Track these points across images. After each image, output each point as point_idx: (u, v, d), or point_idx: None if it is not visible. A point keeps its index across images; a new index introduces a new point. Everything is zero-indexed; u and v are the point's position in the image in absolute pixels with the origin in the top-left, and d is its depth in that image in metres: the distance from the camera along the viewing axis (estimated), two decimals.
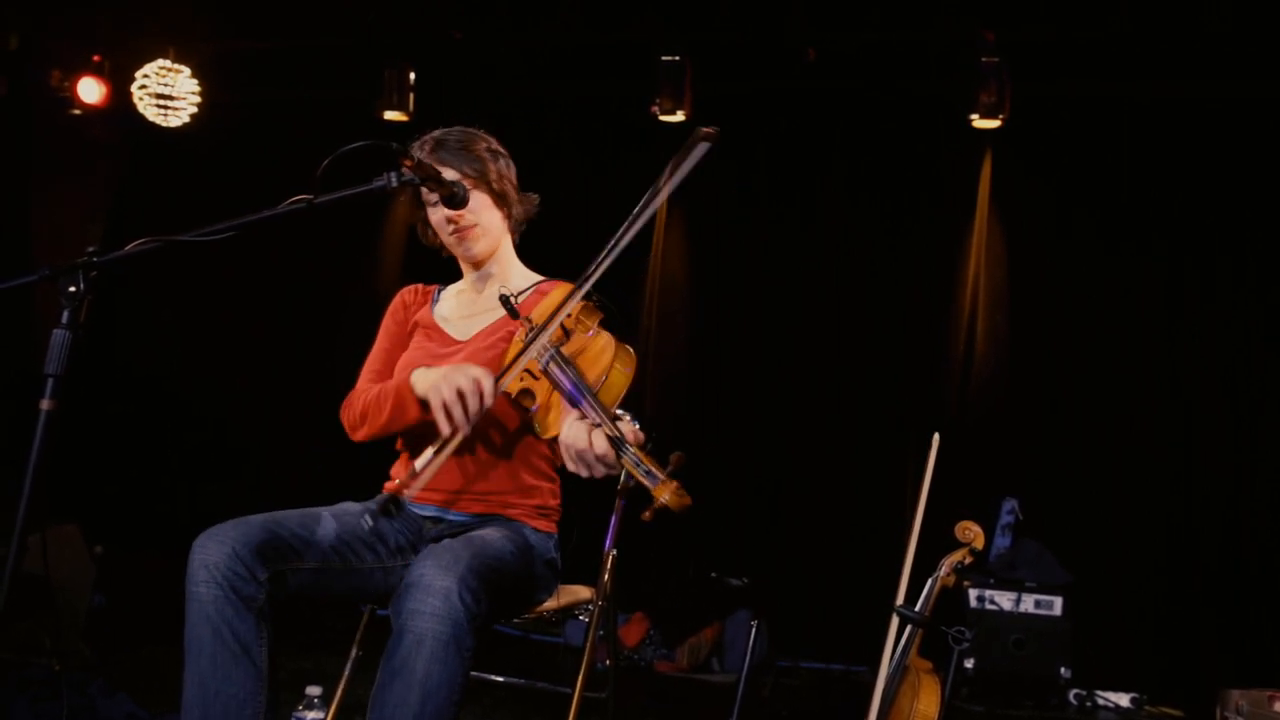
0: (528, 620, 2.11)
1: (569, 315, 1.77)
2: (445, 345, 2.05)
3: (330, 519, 1.89)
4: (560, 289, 1.97)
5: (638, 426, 1.61)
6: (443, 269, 2.23)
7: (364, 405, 1.98)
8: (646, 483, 1.52)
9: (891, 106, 4.55)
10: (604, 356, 1.69)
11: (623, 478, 1.59)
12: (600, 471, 1.59)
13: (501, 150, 2.08)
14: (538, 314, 1.89)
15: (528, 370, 1.77)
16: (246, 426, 5.06)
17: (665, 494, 1.50)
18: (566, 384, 1.67)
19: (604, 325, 1.83)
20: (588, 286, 1.74)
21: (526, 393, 1.79)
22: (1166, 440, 4.21)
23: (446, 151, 2.01)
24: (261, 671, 1.68)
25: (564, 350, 1.73)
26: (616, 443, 1.56)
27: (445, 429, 1.75)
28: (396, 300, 2.19)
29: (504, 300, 1.87)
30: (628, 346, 1.72)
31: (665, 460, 1.54)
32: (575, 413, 1.63)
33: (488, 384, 1.75)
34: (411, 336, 2.11)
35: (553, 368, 1.71)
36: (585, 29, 4.48)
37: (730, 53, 4.56)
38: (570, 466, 1.63)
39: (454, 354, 2.02)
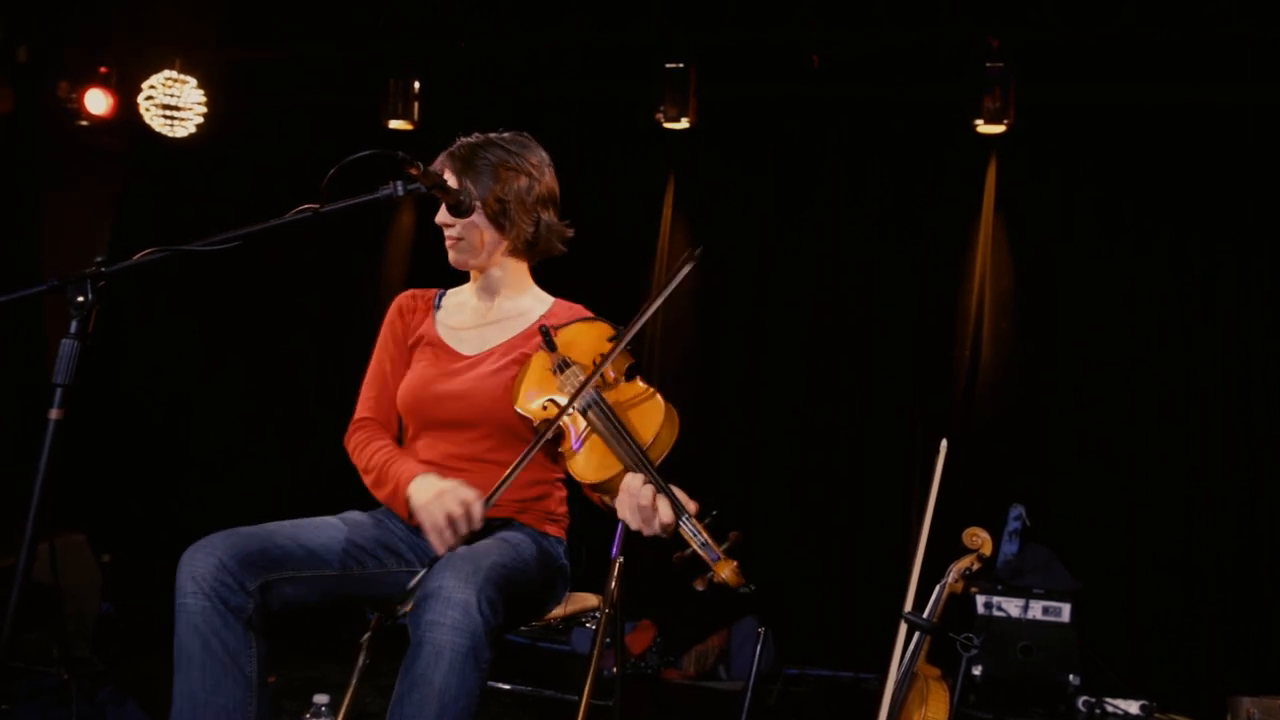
0: (535, 628, 2.12)
1: (602, 355, 1.81)
2: (454, 361, 2.04)
3: (330, 527, 1.90)
4: (590, 325, 1.96)
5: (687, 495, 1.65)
6: (449, 276, 2.22)
7: (366, 464, 2.00)
8: (705, 556, 1.59)
9: (896, 111, 4.55)
10: (654, 415, 1.72)
11: (676, 543, 1.62)
12: (655, 531, 1.62)
13: (531, 171, 2.03)
14: (563, 344, 1.90)
15: (560, 407, 1.79)
16: (254, 435, 5.07)
17: (725, 571, 1.57)
18: (613, 438, 1.69)
19: (633, 370, 1.87)
20: (629, 337, 1.78)
21: (557, 429, 1.80)
22: (1174, 445, 4.19)
23: (456, 161, 2.02)
24: (251, 681, 1.68)
25: (607, 397, 1.75)
26: (677, 511, 1.60)
27: (439, 548, 1.78)
28: (393, 310, 2.15)
29: (544, 333, 1.90)
30: (674, 409, 1.75)
31: (722, 534, 1.60)
32: (636, 476, 1.65)
33: (476, 509, 1.77)
34: (413, 351, 2.09)
35: (592, 415, 1.73)
36: (589, 34, 4.49)
37: (735, 57, 4.56)
38: (624, 515, 1.65)
39: (463, 370, 2.01)
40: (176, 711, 1.66)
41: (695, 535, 1.59)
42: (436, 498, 1.78)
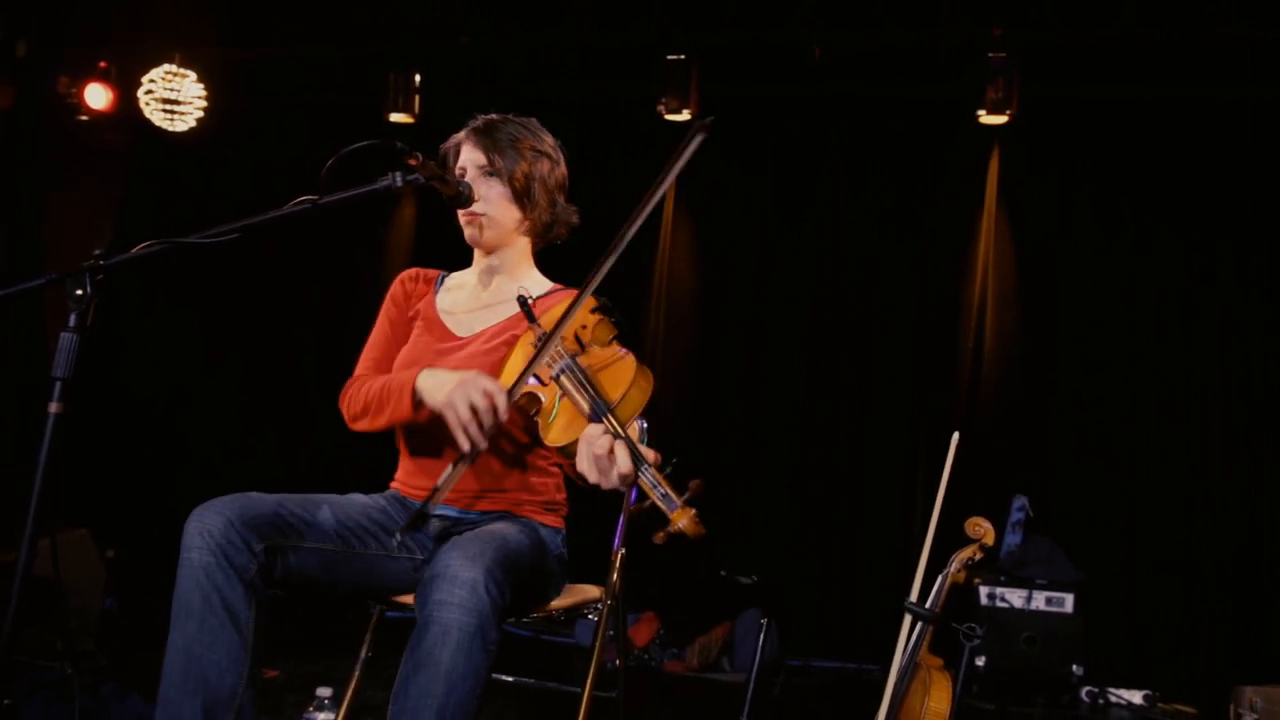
0: (537, 620, 2.12)
1: (584, 327, 1.77)
2: (445, 340, 2.03)
3: (336, 504, 1.90)
4: (571, 297, 1.96)
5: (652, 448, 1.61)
6: (449, 263, 2.22)
7: (365, 399, 1.95)
8: (663, 506, 1.53)
9: (896, 111, 4.55)
10: (624, 375, 1.69)
11: (635, 496, 1.58)
12: (613, 483, 1.59)
13: (551, 154, 2.06)
14: (548, 320, 1.88)
15: (536, 376, 1.77)
16: (254, 429, 5.08)
17: (683, 520, 1.51)
18: (582, 398, 1.66)
19: (617, 340, 1.83)
20: (592, 288, 1.73)
21: (532, 398, 1.78)
22: (1177, 436, 4.19)
23: (483, 136, 2.02)
24: (246, 642, 1.67)
25: (580, 361, 1.72)
26: (636, 461, 1.56)
27: (464, 444, 1.73)
28: (396, 285, 2.15)
29: (522, 302, 1.87)
30: (647, 370, 1.71)
31: (682, 485, 1.55)
32: (596, 426, 1.62)
33: (500, 400, 1.73)
34: (411, 324, 2.08)
35: (565, 379, 1.71)
36: (590, 31, 4.49)
37: (736, 54, 4.56)
38: (583, 467, 1.60)
39: (454, 350, 2.00)
40: (169, 663, 1.65)
41: (655, 486, 1.53)
42: (458, 386, 1.74)
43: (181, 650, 1.65)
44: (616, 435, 1.58)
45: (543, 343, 1.74)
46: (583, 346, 1.78)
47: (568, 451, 1.68)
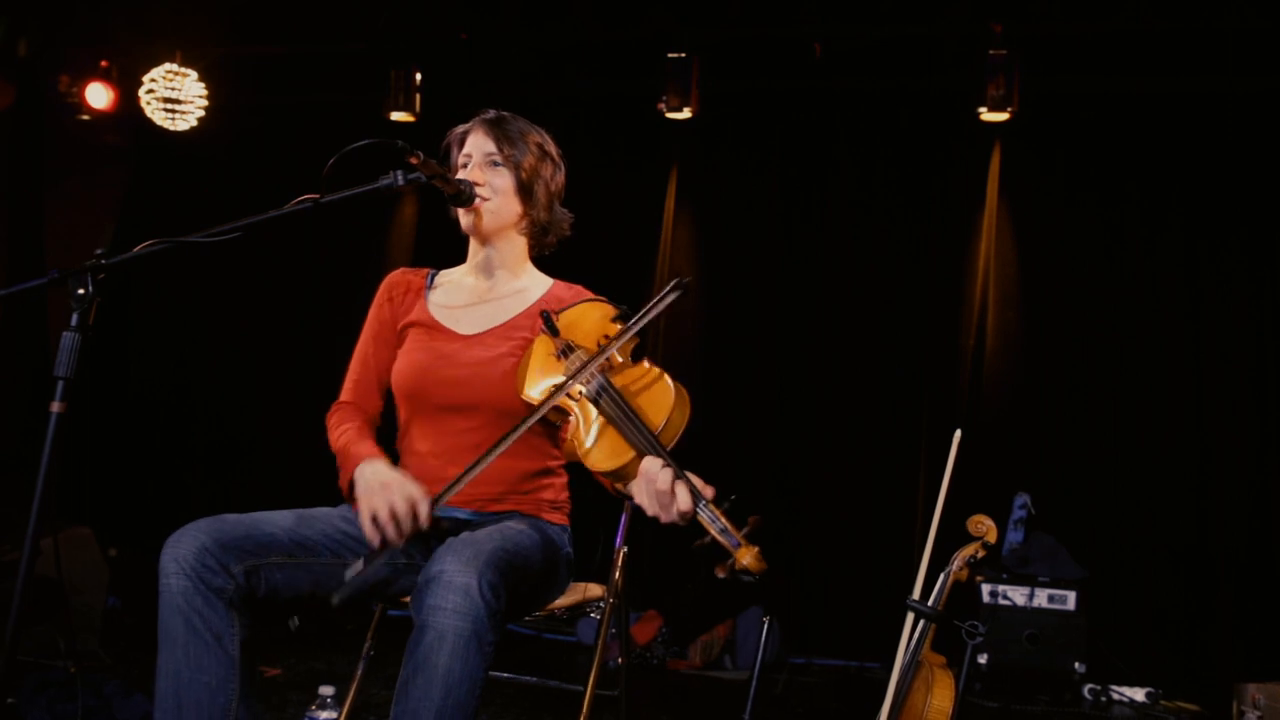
0: (540, 618, 2.12)
1: (606, 337, 1.77)
2: (451, 341, 2.01)
3: (324, 518, 1.89)
4: (592, 305, 1.93)
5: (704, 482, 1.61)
6: (451, 263, 2.21)
7: (333, 445, 1.98)
8: (725, 542, 1.55)
9: (900, 102, 4.54)
10: (664, 398, 1.68)
11: (694, 530, 1.59)
12: (673, 518, 1.59)
13: (554, 156, 2.07)
14: (564, 326, 1.86)
15: (567, 393, 1.75)
16: (258, 428, 5.08)
17: (747, 558, 1.52)
18: (625, 426, 1.66)
19: (639, 352, 1.83)
20: (637, 328, 1.74)
21: (558, 410, 1.77)
22: (1180, 433, 4.18)
23: (494, 127, 2.02)
24: (234, 660, 1.69)
25: (615, 381, 1.71)
26: (695, 497, 1.57)
27: (375, 541, 1.73)
28: (382, 291, 2.12)
29: (545, 318, 1.86)
30: (684, 390, 1.71)
31: (740, 519, 1.57)
32: (653, 461, 1.62)
33: (423, 509, 1.73)
34: (403, 334, 2.06)
35: (604, 403, 1.69)
36: (592, 28, 4.48)
37: (738, 50, 4.55)
38: (641, 501, 1.61)
39: (462, 352, 1.99)
40: (161, 690, 1.67)
41: (714, 521, 1.56)
42: (381, 489, 1.74)
43: (170, 676, 1.66)
44: (673, 470, 1.58)
45: (578, 369, 1.73)
46: (611, 364, 1.77)
47: (615, 476, 1.68)
